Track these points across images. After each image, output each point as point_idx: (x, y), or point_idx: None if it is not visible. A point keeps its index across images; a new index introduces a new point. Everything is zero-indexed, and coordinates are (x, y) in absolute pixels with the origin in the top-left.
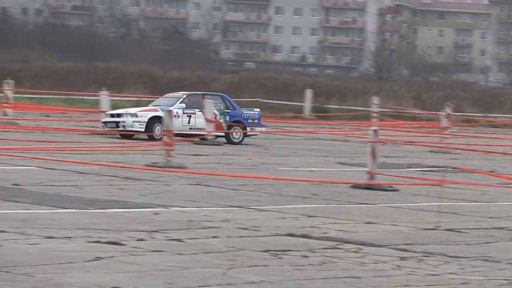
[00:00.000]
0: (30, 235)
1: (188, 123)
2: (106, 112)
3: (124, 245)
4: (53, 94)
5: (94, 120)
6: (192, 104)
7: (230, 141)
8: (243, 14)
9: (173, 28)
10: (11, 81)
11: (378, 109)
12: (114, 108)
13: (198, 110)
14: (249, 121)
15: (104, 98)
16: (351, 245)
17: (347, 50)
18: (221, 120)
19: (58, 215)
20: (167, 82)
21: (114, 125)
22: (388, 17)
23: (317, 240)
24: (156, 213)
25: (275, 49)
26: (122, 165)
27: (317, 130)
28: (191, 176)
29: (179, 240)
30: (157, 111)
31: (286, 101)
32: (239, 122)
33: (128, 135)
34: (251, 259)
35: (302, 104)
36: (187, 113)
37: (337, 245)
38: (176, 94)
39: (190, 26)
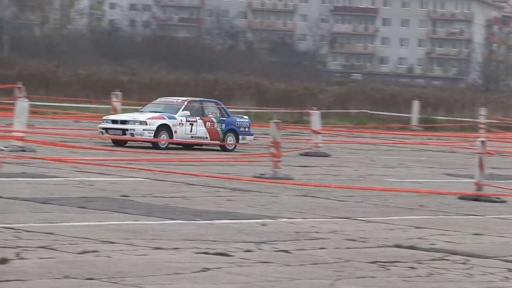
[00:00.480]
0: (139, 246)
1: (190, 131)
2: (106, 118)
3: (231, 256)
4: None
5: None
6: (193, 112)
7: (225, 150)
8: (350, 25)
9: (280, 40)
10: (119, 92)
11: (485, 120)
12: None
13: (199, 117)
14: (241, 129)
15: None
16: (458, 257)
17: (454, 61)
18: (218, 129)
19: (166, 226)
20: (274, 94)
21: (119, 132)
22: (496, 28)
23: (425, 251)
24: (263, 224)
25: (382, 60)
26: (229, 176)
27: (424, 142)
28: (298, 187)
29: (286, 251)
30: (164, 118)
31: (393, 113)
32: (233, 130)
33: (121, 142)
34: (359, 270)
35: (409, 115)
36: (190, 121)
37: (444, 256)
38: (171, 100)
39: (297, 37)
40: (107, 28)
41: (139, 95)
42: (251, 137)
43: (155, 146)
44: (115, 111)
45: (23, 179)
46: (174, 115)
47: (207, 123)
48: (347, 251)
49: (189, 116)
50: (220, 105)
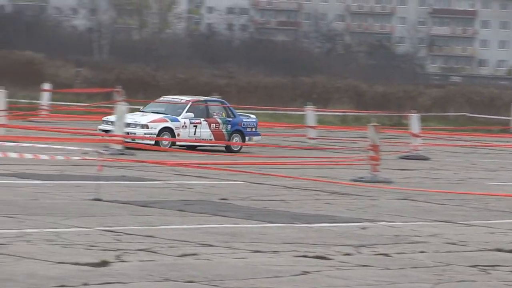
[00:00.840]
0: (238, 249)
1: (194, 134)
2: (106, 119)
3: (331, 259)
4: (259, 109)
5: (300, 135)
6: (198, 112)
7: (230, 151)
8: (448, 28)
9: (378, 43)
10: (218, 96)
11: None
12: (321, 123)
13: (204, 119)
14: (248, 129)
15: (310, 113)
16: None
17: None
18: (223, 130)
19: (265, 229)
20: (372, 97)
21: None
22: None
23: None
24: (363, 228)
25: (481, 63)
26: (328, 179)
27: None
28: (397, 190)
29: (386, 254)
30: (167, 121)
31: (493, 115)
32: (239, 131)
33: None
34: (459, 274)
35: (509, 118)
36: (194, 123)
37: None
38: (175, 99)
39: (395, 40)
40: (205, 31)
41: (237, 99)
42: (259, 138)
43: (157, 143)
44: None
45: (122, 182)
46: (177, 117)
47: (212, 124)
48: (447, 255)
49: (192, 118)
50: (226, 104)
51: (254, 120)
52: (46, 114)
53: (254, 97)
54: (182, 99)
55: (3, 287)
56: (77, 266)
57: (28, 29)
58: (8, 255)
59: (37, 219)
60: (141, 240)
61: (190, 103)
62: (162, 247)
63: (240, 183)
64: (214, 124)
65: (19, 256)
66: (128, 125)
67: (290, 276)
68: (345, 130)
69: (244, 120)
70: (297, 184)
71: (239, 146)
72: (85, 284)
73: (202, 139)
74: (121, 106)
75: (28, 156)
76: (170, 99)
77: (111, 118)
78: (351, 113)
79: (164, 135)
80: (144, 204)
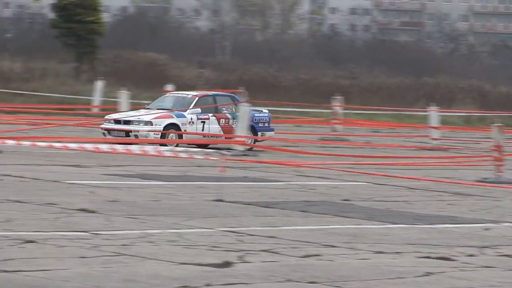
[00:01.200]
0: (360, 250)
1: (202, 130)
2: (108, 118)
3: (454, 260)
4: (382, 110)
5: (423, 136)
6: (205, 108)
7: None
8: None
9: (501, 43)
10: (340, 97)
11: None
12: (444, 123)
13: (212, 114)
14: (260, 125)
15: (433, 113)
16: None
17: None
18: (234, 126)
19: (388, 230)
20: (496, 97)
21: (122, 133)
22: None
23: None
24: (486, 229)
25: None
26: (451, 180)
27: None
28: None
29: (510, 256)
30: (172, 117)
31: None
32: (251, 126)
33: None
34: None
35: None
36: (202, 118)
37: None
38: (182, 94)
39: None
40: (327, 32)
41: (360, 99)
42: (272, 133)
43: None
44: (336, 116)
45: (245, 183)
46: (184, 113)
47: (221, 120)
48: None
49: (200, 113)
50: (236, 99)
51: (266, 114)
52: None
53: (376, 97)
54: (188, 94)
55: None
56: (199, 266)
57: (151, 30)
58: (131, 256)
59: (159, 220)
60: (264, 240)
61: (197, 97)
62: (285, 247)
63: (362, 184)
64: (224, 120)
65: (142, 257)
66: (130, 122)
67: (413, 277)
68: (468, 131)
69: (256, 115)
70: (420, 185)
71: (251, 142)
72: (208, 285)
73: (211, 136)
74: (244, 107)
75: (168, 154)
76: (177, 94)
77: (114, 116)
78: (475, 113)
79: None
80: (266, 205)
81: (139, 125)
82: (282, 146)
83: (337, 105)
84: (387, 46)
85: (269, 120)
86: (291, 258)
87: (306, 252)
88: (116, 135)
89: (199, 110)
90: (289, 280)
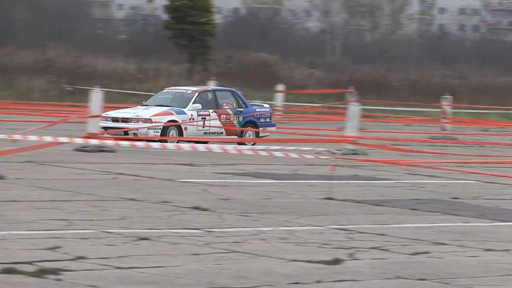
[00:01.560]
0: (470, 247)
1: (203, 127)
2: (106, 115)
3: None
4: (491, 109)
5: None
6: (205, 104)
7: (243, 144)
8: None
9: None
10: (450, 96)
11: None
12: None
13: (213, 110)
14: (261, 120)
15: None
16: None
17: None
18: (235, 121)
19: (497, 228)
20: None
21: (121, 132)
22: None
23: None
24: None
25: None
26: None
27: None
28: None
29: None
30: (172, 114)
31: None
32: (252, 122)
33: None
34: None
35: None
36: (202, 114)
37: None
38: (181, 90)
39: None
40: (437, 32)
41: (469, 99)
42: (273, 128)
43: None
44: (445, 115)
45: (355, 182)
46: (184, 110)
47: (222, 115)
48: None
49: (200, 109)
50: (237, 94)
51: (268, 109)
52: (279, 115)
53: (486, 97)
54: (188, 90)
55: (238, 284)
56: (310, 263)
57: (262, 31)
58: (243, 253)
59: (271, 218)
60: (373, 238)
61: (197, 93)
62: (395, 245)
63: (472, 182)
64: (225, 116)
65: (254, 254)
66: (128, 120)
67: None
68: None
69: (257, 110)
70: None
71: (253, 138)
72: (318, 282)
73: (212, 133)
74: (354, 107)
75: (278, 154)
76: (176, 90)
77: (111, 114)
78: None
79: (170, 129)
80: (376, 203)
81: (138, 123)
82: (392, 145)
83: (446, 104)
84: (496, 46)
85: (270, 115)
86: (400, 255)
87: (416, 250)
88: (114, 133)
89: (199, 106)
90: (398, 277)
